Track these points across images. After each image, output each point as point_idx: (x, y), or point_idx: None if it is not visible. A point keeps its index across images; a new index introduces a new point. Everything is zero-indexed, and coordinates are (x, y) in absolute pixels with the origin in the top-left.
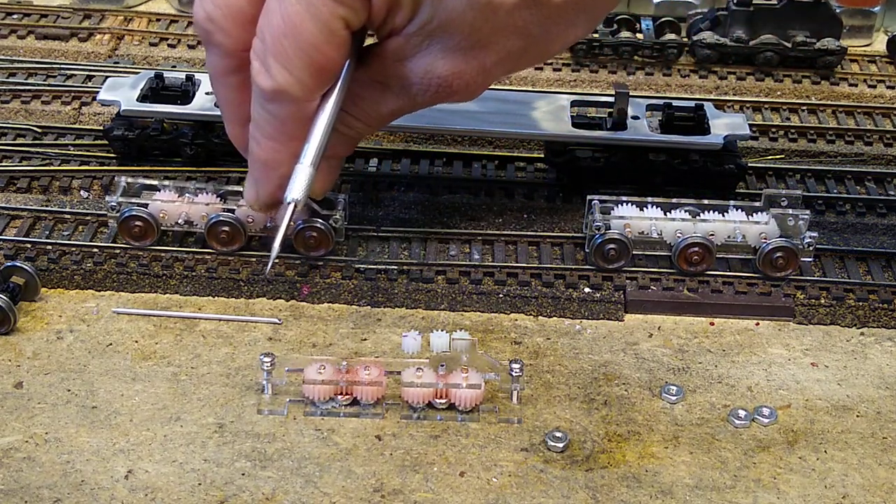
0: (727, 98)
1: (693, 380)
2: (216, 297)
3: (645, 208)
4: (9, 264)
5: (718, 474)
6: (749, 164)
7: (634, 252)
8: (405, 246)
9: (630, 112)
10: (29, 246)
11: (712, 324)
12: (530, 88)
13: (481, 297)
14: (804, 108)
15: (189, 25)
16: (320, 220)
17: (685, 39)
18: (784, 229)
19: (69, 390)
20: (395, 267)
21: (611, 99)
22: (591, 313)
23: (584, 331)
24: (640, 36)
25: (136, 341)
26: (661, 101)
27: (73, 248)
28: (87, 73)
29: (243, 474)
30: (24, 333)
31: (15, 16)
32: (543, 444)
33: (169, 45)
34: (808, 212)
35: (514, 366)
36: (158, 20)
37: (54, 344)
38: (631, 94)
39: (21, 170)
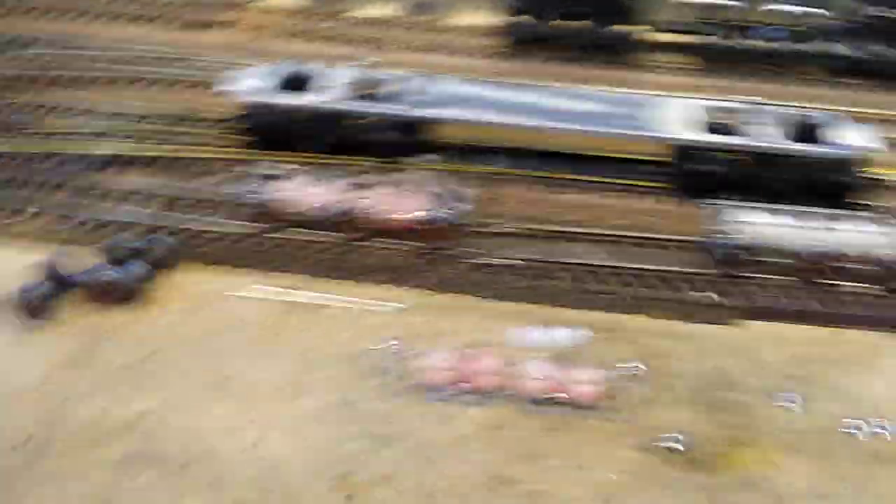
0: (858, 109)
1: (814, 389)
2: (343, 282)
3: (775, 216)
4: (148, 239)
5: (838, 486)
6: (879, 177)
7: (761, 259)
8: (531, 242)
9: (761, 120)
10: (168, 224)
11: (836, 334)
12: (660, 93)
13: (605, 296)
14: None
15: (324, 20)
16: (448, 213)
17: (817, 49)
18: None
19: (200, 363)
20: (521, 262)
21: (744, 105)
22: (712, 317)
23: (704, 335)
24: (771, 44)
25: (267, 319)
26: (792, 111)
27: (209, 230)
28: (224, 63)
29: (364, 452)
30: (159, 307)
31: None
32: (661, 445)
33: (303, 39)
34: None
35: (635, 366)
36: (294, 14)
37: (187, 318)
38: (762, 102)
39: (159, 155)
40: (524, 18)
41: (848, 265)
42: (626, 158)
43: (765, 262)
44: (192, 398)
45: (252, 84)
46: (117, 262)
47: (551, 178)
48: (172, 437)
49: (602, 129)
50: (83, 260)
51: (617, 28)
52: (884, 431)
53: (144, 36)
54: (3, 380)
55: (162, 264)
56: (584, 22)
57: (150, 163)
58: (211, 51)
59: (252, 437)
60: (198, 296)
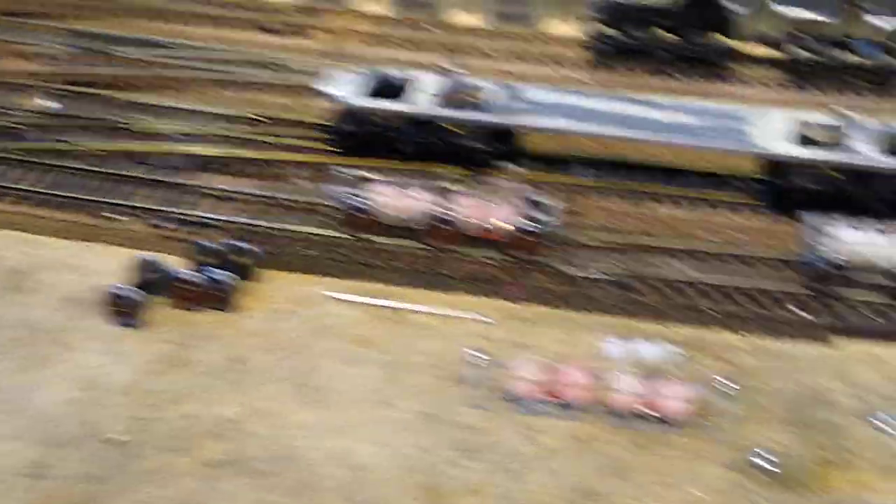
0: None
1: None
2: (428, 291)
3: (869, 233)
4: (235, 244)
5: None
6: None
7: (853, 277)
8: (618, 255)
9: (856, 136)
10: (256, 230)
11: None
12: (752, 106)
13: (691, 311)
14: None
15: (410, 27)
16: (534, 224)
17: None
18: None
19: (288, 368)
20: (608, 275)
21: (839, 121)
22: (803, 336)
23: (795, 354)
24: (866, 59)
25: (352, 327)
26: (886, 126)
27: (298, 234)
28: (314, 67)
29: (450, 463)
30: (247, 312)
31: (242, 10)
32: (751, 464)
33: (388, 46)
34: None
35: (725, 383)
36: (378, 21)
37: (275, 324)
38: (857, 117)
39: (249, 157)
40: (612, 30)
41: None
42: (715, 172)
43: (858, 280)
44: (279, 404)
45: (343, 89)
46: (207, 265)
47: (639, 190)
48: (260, 443)
49: (692, 142)
50: (174, 263)
51: (708, 40)
52: None
53: (234, 39)
54: (96, 380)
55: (251, 269)
56: (673, 33)
57: (242, 166)
58: (300, 55)
59: (339, 444)
60: (286, 301)
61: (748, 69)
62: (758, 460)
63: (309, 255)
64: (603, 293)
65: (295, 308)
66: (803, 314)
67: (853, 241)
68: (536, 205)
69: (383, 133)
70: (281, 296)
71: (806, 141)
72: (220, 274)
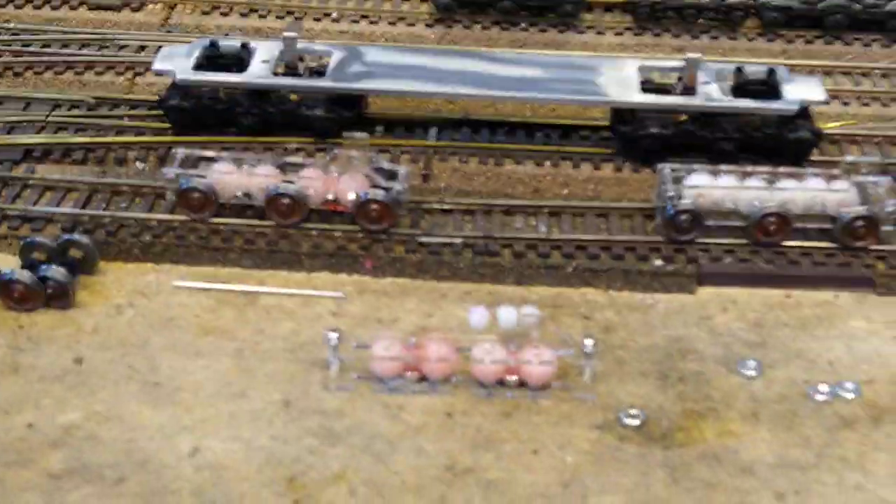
0: (795, 62)
1: (771, 354)
2: (277, 271)
3: (719, 177)
4: (67, 237)
5: (801, 452)
6: (824, 130)
7: (708, 223)
8: (469, 218)
9: (699, 77)
10: (86, 218)
11: (789, 296)
12: (592, 53)
13: (549, 270)
14: (876, 71)
15: None
16: (382, 192)
17: (751, 1)
18: (864, 197)
19: (131, 366)
20: (460, 240)
21: (679, 63)
22: (663, 287)
23: (656, 305)
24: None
25: (198, 316)
26: (731, 66)
27: (132, 221)
28: (139, 42)
29: (311, 452)
30: (83, 308)
31: None
32: (618, 422)
33: (221, 14)
34: (889, 178)
35: (587, 342)
36: None
37: (114, 319)
38: (698, 58)
39: (76, 142)
40: None
41: (797, 224)
42: (564, 125)
43: (711, 225)
44: (124, 405)
45: (174, 63)
46: (35, 263)
47: (493, 149)
48: (105, 450)
49: (541, 96)
50: (0, 263)
51: None
52: (846, 393)
53: (50, 17)
54: None
55: (83, 263)
56: None
57: (73, 152)
58: (124, 31)
59: (190, 443)
60: (126, 294)
61: (598, 16)
62: (625, 418)
63: (149, 242)
64: (461, 259)
65: (135, 300)
66: (664, 264)
67: (702, 185)
68: (386, 172)
69: (216, 107)
70: (121, 288)
71: (655, 87)
72: (52, 270)
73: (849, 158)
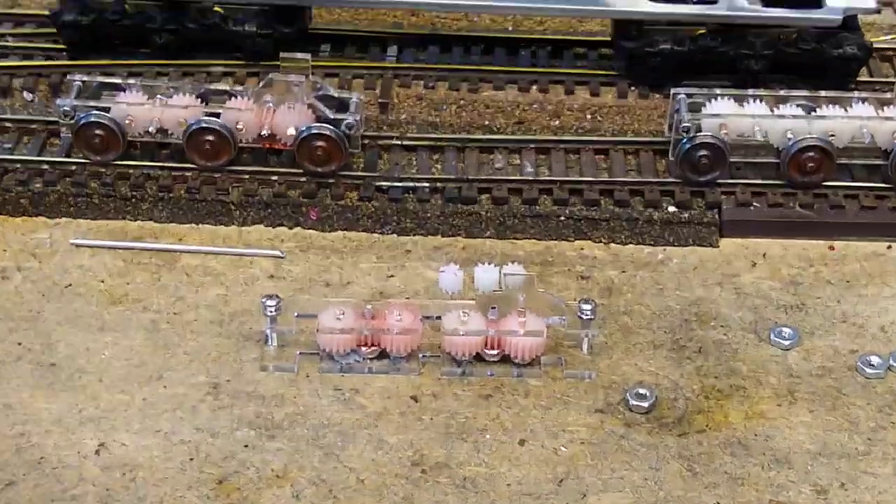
0: None
1: (810, 319)
2: (200, 225)
3: (746, 103)
4: None
5: (847, 437)
6: (874, 45)
7: (732, 159)
8: (438, 157)
9: None
10: None
11: (832, 248)
12: None
13: (537, 220)
14: None
15: None
16: (329, 127)
17: None
18: None
19: (20, 344)
20: (427, 184)
21: None
22: (677, 238)
23: (669, 260)
24: None
25: (102, 281)
26: None
27: (18, 165)
28: None
29: (246, 446)
30: None
31: None
32: (624, 404)
33: None
34: None
35: (584, 307)
36: None
37: (4, 285)
38: None
39: None
40: None
41: (841, 159)
42: (554, 41)
43: (736, 162)
44: (11, 394)
45: None
46: None
47: (460, 71)
48: None
49: (524, 4)
50: None
51: None
52: None
53: None
54: None
55: None
56: None
57: None
58: None
59: (95, 439)
60: (8, 256)
61: None
62: (632, 399)
63: (40, 191)
64: (428, 207)
65: (23, 263)
66: (678, 211)
67: (726, 113)
68: (334, 101)
69: (122, 22)
70: (6, 248)
71: None
72: None
73: None
